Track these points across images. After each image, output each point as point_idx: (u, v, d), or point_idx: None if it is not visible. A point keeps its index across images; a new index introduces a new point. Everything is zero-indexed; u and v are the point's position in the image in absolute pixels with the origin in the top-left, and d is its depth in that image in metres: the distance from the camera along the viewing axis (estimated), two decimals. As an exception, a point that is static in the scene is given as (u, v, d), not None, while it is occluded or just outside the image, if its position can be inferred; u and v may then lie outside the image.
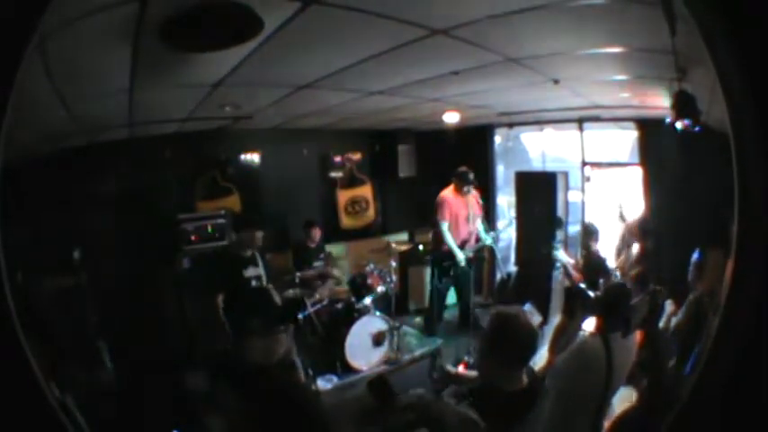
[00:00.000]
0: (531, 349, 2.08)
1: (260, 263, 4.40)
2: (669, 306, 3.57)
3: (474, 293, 6.06)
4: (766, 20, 1.15)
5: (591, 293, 4.28)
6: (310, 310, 5.46)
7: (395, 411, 2.69)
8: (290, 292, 5.43)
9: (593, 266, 4.73)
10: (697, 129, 2.96)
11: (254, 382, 1.94)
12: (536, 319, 4.68)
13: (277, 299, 4.52)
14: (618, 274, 4.64)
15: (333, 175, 7.00)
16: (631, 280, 4.02)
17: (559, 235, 5.20)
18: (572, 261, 4.85)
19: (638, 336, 2.95)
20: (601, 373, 2.64)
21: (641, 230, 4.80)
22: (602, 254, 5.01)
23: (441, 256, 5.65)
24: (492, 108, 5.55)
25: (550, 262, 4.99)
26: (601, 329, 2.74)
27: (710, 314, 1.73)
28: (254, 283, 4.27)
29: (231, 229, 5.06)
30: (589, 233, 4.97)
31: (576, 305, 4.32)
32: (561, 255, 4.90)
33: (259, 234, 4.39)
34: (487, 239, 5.68)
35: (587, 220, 5.59)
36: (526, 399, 1.99)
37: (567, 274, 4.81)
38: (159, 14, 2.20)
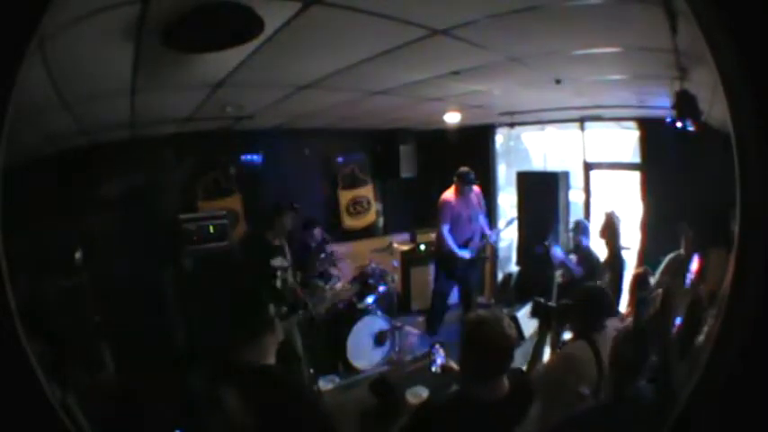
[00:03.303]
0: (502, 357, 1.95)
1: (287, 253, 4.32)
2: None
3: (477, 293, 6.08)
4: (767, 17, 1.15)
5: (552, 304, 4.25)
6: (312, 309, 5.46)
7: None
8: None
9: (587, 262, 4.73)
10: (697, 128, 2.95)
11: (253, 380, 1.93)
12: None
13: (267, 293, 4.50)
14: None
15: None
16: (633, 280, 4.01)
17: (551, 236, 5.19)
18: (573, 257, 4.84)
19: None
20: (592, 374, 2.60)
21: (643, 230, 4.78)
22: (594, 249, 5.01)
23: (443, 258, 5.64)
24: (493, 108, 5.55)
25: (551, 262, 4.98)
26: (582, 333, 2.70)
27: (712, 314, 1.72)
28: (279, 274, 4.17)
29: (270, 218, 4.91)
30: (580, 230, 4.97)
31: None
32: (559, 252, 4.89)
33: (289, 216, 4.32)
34: (491, 236, 5.69)
35: (578, 217, 5.58)
36: (507, 409, 1.89)
37: (567, 271, 4.79)
38: (161, 15, 2.20)
